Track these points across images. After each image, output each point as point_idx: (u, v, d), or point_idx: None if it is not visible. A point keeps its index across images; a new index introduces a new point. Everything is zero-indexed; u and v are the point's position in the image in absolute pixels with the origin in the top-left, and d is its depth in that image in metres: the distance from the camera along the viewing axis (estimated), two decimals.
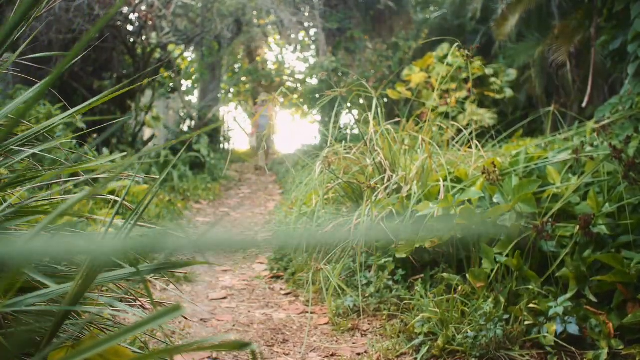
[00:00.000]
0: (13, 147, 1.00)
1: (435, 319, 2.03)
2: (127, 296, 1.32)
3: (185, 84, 10.16)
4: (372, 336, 2.20)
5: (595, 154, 2.67)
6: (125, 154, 1.45)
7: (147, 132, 9.16)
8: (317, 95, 11.33)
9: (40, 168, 1.28)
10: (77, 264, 0.98)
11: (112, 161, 1.40)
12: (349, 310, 2.43)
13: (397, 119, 3.68)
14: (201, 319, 2.48)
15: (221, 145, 11.75)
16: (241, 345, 0.61)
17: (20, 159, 1.05)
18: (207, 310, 2.63)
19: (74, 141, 4.15)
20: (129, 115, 7.34)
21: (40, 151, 1.17)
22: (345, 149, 3.22)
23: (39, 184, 1.27)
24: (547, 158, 2.85)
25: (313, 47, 14.17)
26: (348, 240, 2.55)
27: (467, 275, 2.19)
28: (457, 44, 2.95)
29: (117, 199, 1.08)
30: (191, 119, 9.58)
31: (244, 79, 15.84)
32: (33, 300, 0.78)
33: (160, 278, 2.28)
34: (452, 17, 10.95)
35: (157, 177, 1.41)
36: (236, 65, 15.84)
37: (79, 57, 1.58)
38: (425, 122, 3.25)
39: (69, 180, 1.26)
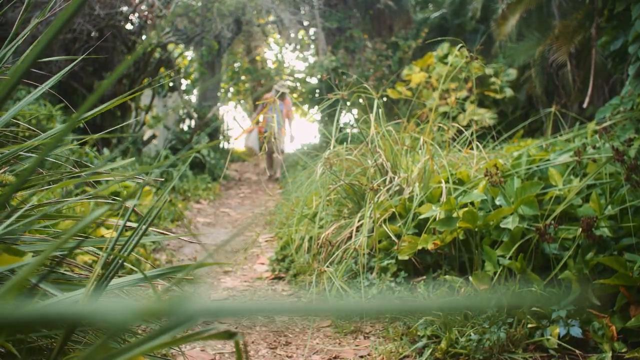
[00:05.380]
0: (21, 154, 1.00)
1: (438, 321, 2.03)
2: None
3: (185, 83, 10.15)
4: (374, 338, 2.20)
5: (597, 156, 2.67)
6: (133, 159, 1.44)
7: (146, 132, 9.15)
8: (317, 95, 11.33)
9: (43, 173, 1.28)
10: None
11: (116, 166, 1.40)
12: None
13: (398, 120, 3.68)
14: (204, 322, 2.48)
15: (221, 145, 11.74)
16: (229, 335, 0.63)
17: (27, 165, 1.05)
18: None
19: (83, 147, 4.15)
20: (131, 122, 7.33)
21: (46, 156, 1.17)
22: (346, 151, 3.22)
23: (38, 189, 1.28)
24: (548, 160, 2.86)
25: (312, 46, 14.16)
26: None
27: (470, 278, 2.19)
28: (460, 45, 2.95)
29: (126, 204, 1.08)
30: (190, 118, 9.57)
31: (243, 78, 15.84)
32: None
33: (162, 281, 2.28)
34: (451, 17, 10.95)
35: (160, 179, 1.41)
36: (236, 65, 15.84)
37: (77, 57, 1.57)
38: (426, 122, 3.25)
39: (70, 182, 1.26)
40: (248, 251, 3.97)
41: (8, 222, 0.78)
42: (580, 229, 2.07)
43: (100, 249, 1.26)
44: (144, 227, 0.91)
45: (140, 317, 0.31)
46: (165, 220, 4.66)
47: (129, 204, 0.94)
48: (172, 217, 4.85)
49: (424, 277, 2.48)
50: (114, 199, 1.31)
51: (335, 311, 0.36)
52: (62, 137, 0.53)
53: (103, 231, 2.41)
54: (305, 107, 12.57)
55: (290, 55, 16.86)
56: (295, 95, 14.75)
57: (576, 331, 1.84)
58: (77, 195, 3.27)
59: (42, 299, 0.81)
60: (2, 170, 0.92)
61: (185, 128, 9.50)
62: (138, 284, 1.04)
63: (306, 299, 2.78)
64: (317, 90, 11.46)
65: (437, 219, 2.37)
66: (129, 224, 1.14)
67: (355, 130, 4.20)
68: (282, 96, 8.33)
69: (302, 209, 3.35)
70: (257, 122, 8.04)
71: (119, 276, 1.12)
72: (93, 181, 1.23)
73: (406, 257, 2.47)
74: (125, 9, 6.91)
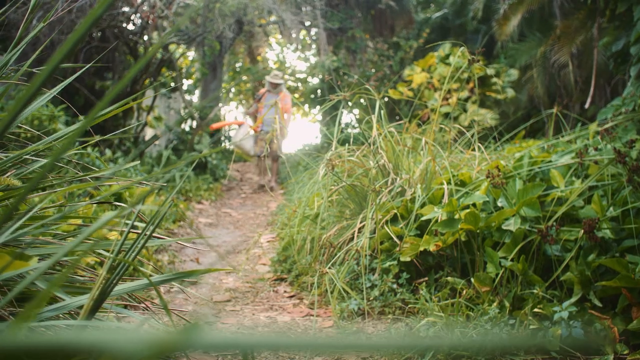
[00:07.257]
0: (27, 157, 1.00)
1: (440, 322, 2.03)
2: (135, 304, 1.33)
3: (187, 84, 10.17)
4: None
5: (599, 157, 2.67)
6: (137, 162, 1.44)
7: (148, 132, 9.16)
8: (319, 94, 11.34)
9: (50, 177, 1.29)
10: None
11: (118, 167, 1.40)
12: (353, 313, 2.44)
13: (400, 121, 3.68)
14: (206, 323, 2.49)
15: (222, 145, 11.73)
16: None
17: (34, 168, 1.05)
18: (211, 313, 2.64)
19: (85, 148, 4.15)
20: (132, 124, 7.34)
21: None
22: (348, 152, 3.22)
23: (47, 192, 1.28)
24: (550, 161, 2.86)
25: (314, 46, 14.17)
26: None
27: (472, 280, 2.19)
28: (462, 47, 2.95)
29: (129, 207, 1.08)
30: (192, 118, 9.58)
31: (244, 78, 15.85)
32: (50, 313, 0.79)
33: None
34: (453, 17, 10.96)
35: (164, 184, 1.42)
36: (237, 65, 15.85)
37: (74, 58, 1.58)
38: (427, 123, 3.25)
39: (74, 185, 1.26)
40: (250, 252, 3.98)
41: (16, 225, 0.79)
42: (582, 231, 2.07)
43: (105, 252, 1.26)
44: (148, 231, 0.91)
45: (150, 351, 0.31)
46: (167, 220, 4.67)
47: (136, 208, 0.95)
48: (174, 217, 4.86)
49: (426, 278, 2.48)
50: (116, 202, 1.32)
51: (345, 347, 0.37)
52: (72, 142, 0.54)
53: (105, 232, 2.42)
54: (307, 107, 12.58)
55: (292, 55, 16.87)
56: (296, 95, 14.75)
57: (578, 333, 1.84)
58: (79, 196, 3.28)
59: (51, 302, 0.82)
60: (8, 174, 0.92)
61: (187, 128, 9.50)
62: (144, 289, 1.04)
63: (308, 301, 2.78)
64: (319, 91, 11.47)
65: (439, 220, 2.38)
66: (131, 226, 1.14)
67: (356, 131, 4.21)
68: (276, 88, 7.37)
69: (304, 209, 3.35)
70: (255, 120, 7.59)
71: (124, 280, 1.12)
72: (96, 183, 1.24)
73: (408, 259, 2.48)
74: (127, 9, 6.92)
